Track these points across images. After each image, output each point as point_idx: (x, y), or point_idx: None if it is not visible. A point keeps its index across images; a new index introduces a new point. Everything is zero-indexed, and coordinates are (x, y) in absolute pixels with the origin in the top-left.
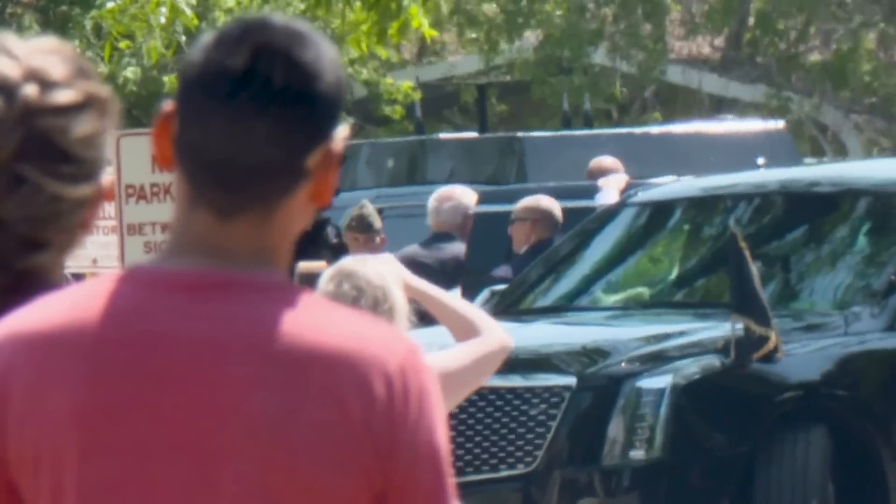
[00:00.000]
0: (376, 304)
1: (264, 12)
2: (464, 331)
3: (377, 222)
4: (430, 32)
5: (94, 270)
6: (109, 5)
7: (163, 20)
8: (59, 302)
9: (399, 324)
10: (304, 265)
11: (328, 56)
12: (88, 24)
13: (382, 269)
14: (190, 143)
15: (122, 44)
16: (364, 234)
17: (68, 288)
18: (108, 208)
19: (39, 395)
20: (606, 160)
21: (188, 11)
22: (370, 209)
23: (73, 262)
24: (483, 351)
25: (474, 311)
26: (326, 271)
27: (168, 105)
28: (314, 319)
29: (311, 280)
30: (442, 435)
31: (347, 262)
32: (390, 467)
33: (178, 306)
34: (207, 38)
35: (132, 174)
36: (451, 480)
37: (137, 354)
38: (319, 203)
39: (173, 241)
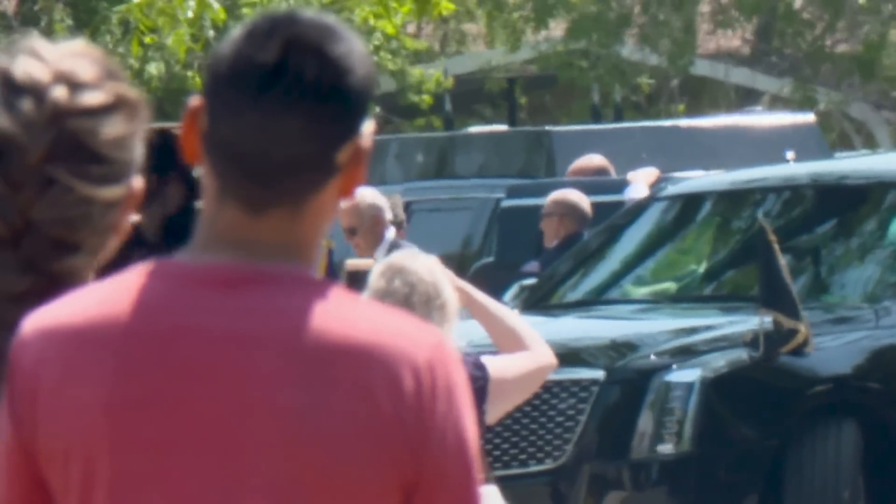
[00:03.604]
0: (428, 301)
1: (291, 6)
2: (509, 342)
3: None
4: (447, 7)
5: None
6: (136, 0)
7: (190, 14)
8: (89, 296)
9: (450, 320)
10: (353, 262)
11: (358, 50)
12: (115, 19)
13: (433, 265)
14: (220, 138)
15: (147, 38)
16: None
17: (98, 282)
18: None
19: (69, 390)
20: (595, 158)
21: (216, 6)
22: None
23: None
24: (536, 365)
25: (521, 323)
26: (376, 267)
27: (196, 100)
28: (343, 314)
29: (358, 277)
30: (471, 428)
31: (398, 257)
32: (420, 461)
33: (207, 300)
34: (236, 32)
35: None
36: (480, 473)
37: (167, 348)
38: (349, 198)
39: (202, 236)
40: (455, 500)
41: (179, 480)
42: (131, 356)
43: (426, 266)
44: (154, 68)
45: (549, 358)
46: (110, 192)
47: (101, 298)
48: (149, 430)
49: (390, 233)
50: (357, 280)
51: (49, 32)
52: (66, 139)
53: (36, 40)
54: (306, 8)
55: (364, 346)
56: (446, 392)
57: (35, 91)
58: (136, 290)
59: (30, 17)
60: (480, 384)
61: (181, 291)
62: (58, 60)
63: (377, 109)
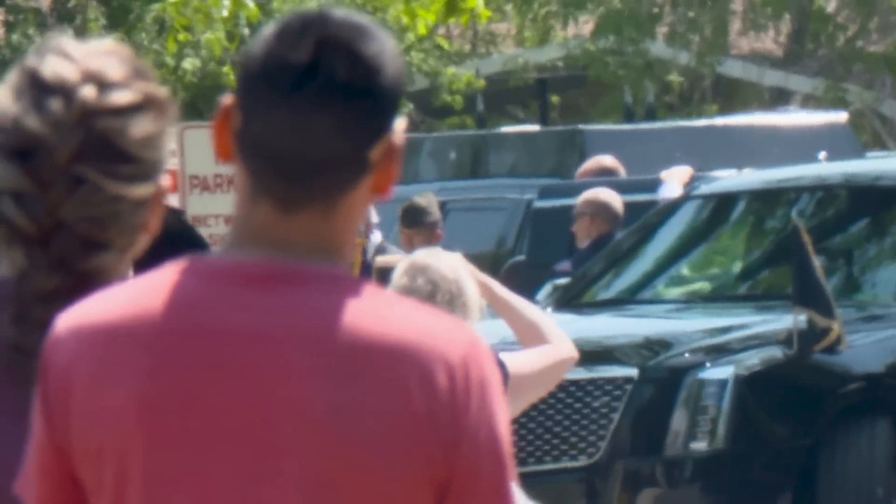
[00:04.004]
0: (451, 299)
1: (322, 5)
2: (530, 336)
3: (430, 216)
4: (485, 14)
5: None
6: None
7: (225, 13)
8: (121, 294)
9: (472, 318)
10: (382, 259)
11: (389, 49)
12: (149, 17)
13: (456, 263)
14: (253, 137)
15: (181, 36)
16: (410, 230)
17: (130, 280)
18: (173, 200)
19: (102, 388)
20: (606, 159)
21: (251, 4)
22: (422, 201)
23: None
24: (555, 359)
25: (543, 317)
26: (399, 265)
27: (228, 98)
28: (376, 311)
29: (388, 274)
30: (503, 426)
31: (421, 255)
32: (454, 459)
33: (239, 298)
34: (267, 31)
35: (196, 166)
36: (513, 471)
37: (199, 346)
38: (382, 195)
39: (235, 234)
40: (488, 499)
41: (213, 478)
42: (165, 354)
43: (449, 264)
44: (189, 63)
45: (571, 351)
46: (139, 190)
47: (133, 296)
48: (182, 427)
49: (376, 237)
50: (387, 277)
51: (83, 30)
52: (95, 138)
53: (64, 39)
54: (338, 7)
55: (398, 344)
56: (480, 390)
57: (64, 91)
58: (168, 288)
59: (64, 15)
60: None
61: (215, 289)
62: (86, 59)
63: (410, 109)
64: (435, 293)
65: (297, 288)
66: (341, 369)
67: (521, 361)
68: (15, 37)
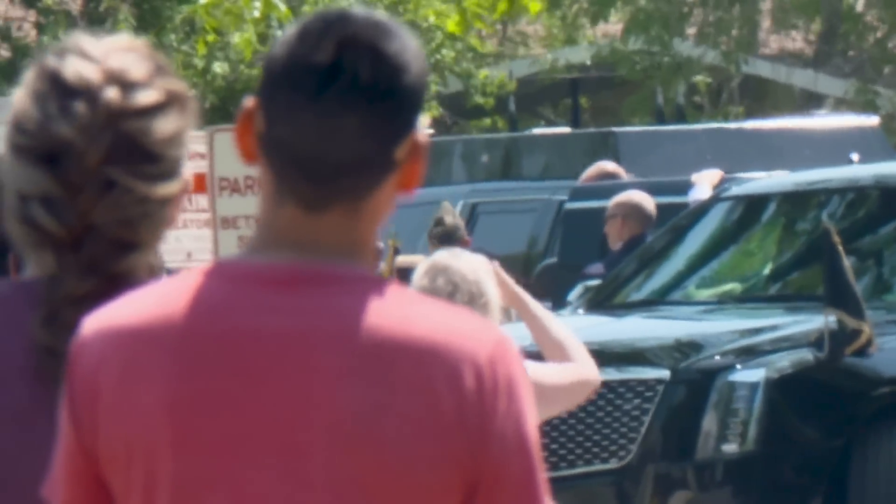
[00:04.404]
0: (472, 300)
1: (352, 5)
2: (556, 353)
3: (459, 231)
4: (535, 7)
5: (190, 265)
6: (203, 0)
7: (256, 14)
8: (148, 296)
9: (493, 318)
10: (402, 258)
11: (412, 46)
12: (178, 18)
13: (476, 264)
14: (278, 139)
15: (211, 37)
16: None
17: (156, 282)
18: (202, 202)
19: (130, 390)
20: (608, 165)
21: (282, 6)
22: (448, 219)
23: (169, 256)
24: (577, 378)
25: (571, 337)
26: (420, 266)
27: (250, 101)
28: (403, 312)
29: (409, 273)
30: (532, 425)
31: (441, 256)
32: (482, 459)
33: (266, 300)
34: (289, 33)
35: (226, 168)
36: (542, 470)
37: (226, 349)
38: (408, 192)
39: (260, 236)
40: (518, 498)
41: (242, 481)
42: (192, 357)
43: (469, 265)
44: (219, 67)
45: (594, 374)
46: (167, 188)
47: (159, 299)
48: (211, 430)
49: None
50: (406, 276)
51: (113, 32)
52: (122, 140)
53: (82, 38)
54: (359, 6)
55: (425, 345)
56: (507, 389)
57: (88, 93)
58: (194, 290)
59: (95, 17)
60: None
61: (241, 291)
62: (106, 58)
63: (440, 111)
64: (455, 293)
65: (323, 289)
66: (369, 370)
67: (544, 372)
68: (45, 38)
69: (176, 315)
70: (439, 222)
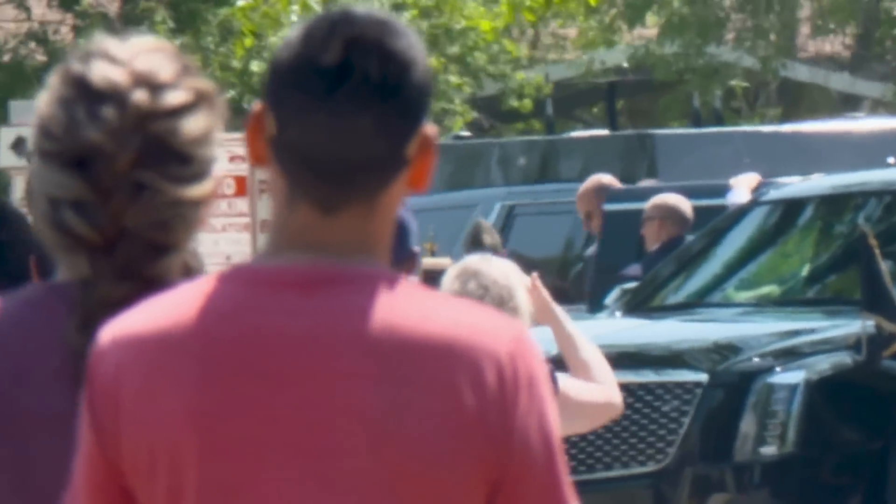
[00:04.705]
0: (501, 304)
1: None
2: (582, 373)
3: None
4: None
5: None
6: (241, 3)
7: (294, 18)
8: (165, 303)
9: (523, 323)
10: (429, 261)
11: (416, 42)
12: (215, 21)
13: (507, 269)
14: (289, 142)
15: (248, 41)
16: None
17: (174, 288)
18: (241, 205)
19: (152, 397)
20: (605, 177)
21: (318, 9)
22: (487, 238)
23: (207, 260)
24: (603, 400)
25: (600, 360)
26: (450, 270)
27: (258, 104)
28: (422, 310)
29: (434, 276)
30: (553, 419)
31: (473, 260)
32: (505, 455)
33: (284, 303)
34: (293, 35)
35: (266, 170)
36: (565, 465)
37: (248, 353)
38: (419, 188)
39: (274, 239)
40: (541, 492)
41: (268, 485)
42: (214, 362)
43: (500, 269)
44: (256, 66)
45: (618, 399)
46: (198, 189)
47: (177, 305)
48: (235, 435)
49: None
50: (433, 279)
51: (150, 34)
52: (152, 142)
53: (106, 41)
54: (363, 4)
55: (446, 342)
56: (528, 385)
57: (116, 97)
58: (213, 295)
59: (132, 19)
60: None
61: (258, 295)
62: (133, 61)
63: (476, 114)
64: (485, 298)
65: (341, 289)
66: (390, 370)
67: (573, 386)
68: (81, 41)
69: (195, 320)
70: (476, 241)
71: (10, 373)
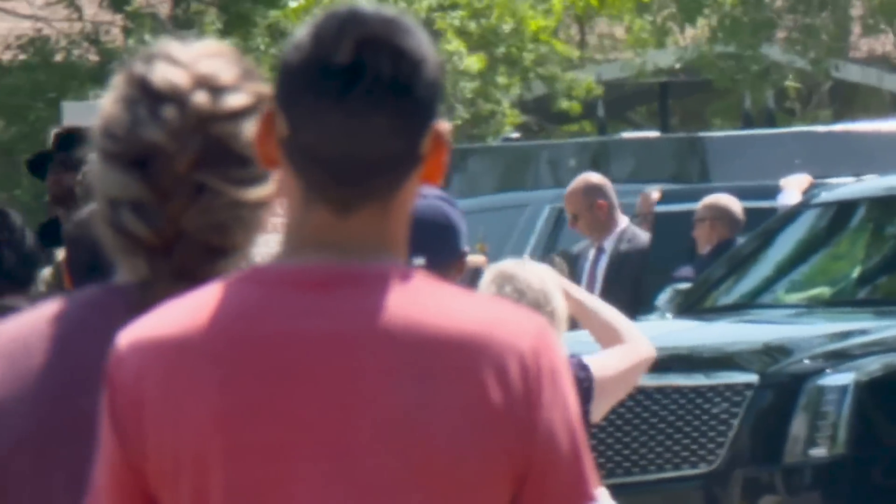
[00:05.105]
0: (537, 308)
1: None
2: (607, 336)
3: None
4: None
5: None
6: (292, 5)
7: None
8: (183, 306)
9: (559, 328)
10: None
11: (425, 39)
12: (264, 24)
13: (543, 273)
14: (303, 144)
15: None
16: None
17: (191, 292)
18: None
19: (175, 401)
20: (593, 176)
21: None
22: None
23: (259, 260)
24: (636, 360)
25: (619, 317)
26: (486, 274)
27: (269, 106)
28: (443, 306)
29: (473, 273)
30: (576, 412)
31: (508, 264)
32: (530, 449)
33: (304, 303)
34: (301, 35)
35: None
36: (589, 456)
37: (270, 354)
38: (434, 183)
39: (290, 239)
40: (566, 485)
41: (294, 486)
42: (235, 364)
43: (536, 274)
44: None
45: (649, 351)
46: (258, 192)
47: (195, 308)
48: (260, 437)
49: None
50: (471, 277)
51: (201, 36)
52: (212, 145)
53: (170, 43)
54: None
55: (468, 338)
56: (551, 378)
57: (177, 98)
58: (231, 297)
59: (183, 21)
60: (586, 385)
61: (277, 296)
62: (195, 63)
63: (525, 116)
64: (520, 301)
65: (361, 288)
66: (414, 367)
67: (605, 363)
68: (132, 42)
69: (215, 323)
70: None
71: (70, 374)
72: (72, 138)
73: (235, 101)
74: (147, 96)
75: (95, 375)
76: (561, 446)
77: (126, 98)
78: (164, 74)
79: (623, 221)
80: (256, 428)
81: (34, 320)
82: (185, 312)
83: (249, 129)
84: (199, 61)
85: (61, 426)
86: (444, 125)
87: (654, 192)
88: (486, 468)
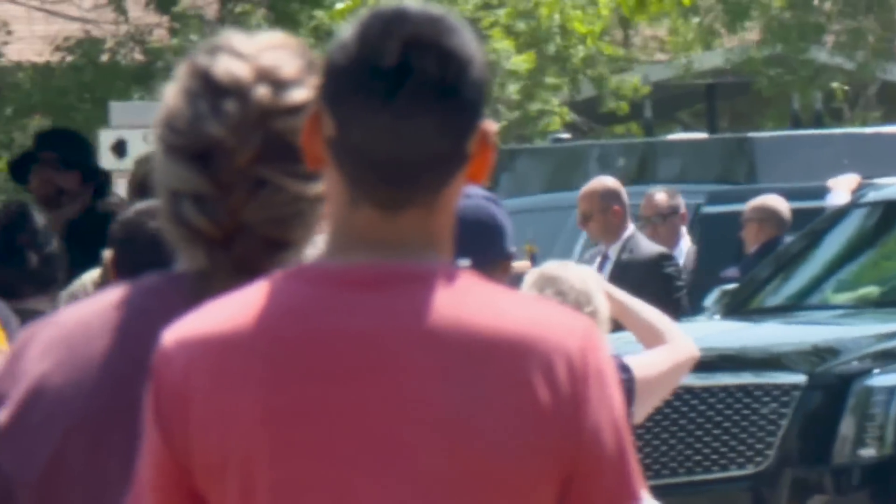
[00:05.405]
0: (579, 309)
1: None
2: (650, 337)
3: None
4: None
5: None
6: (339, 6)
7: None
8: (230, 304)
9: (601, 329)
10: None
11: (470, 37)
12: (312, 23)
13: (585, 274)
14: (351, 145)
15: None
16: None
17: (238, 289)
18: None
19: (222, 399)
20: (609, 180)
21: None
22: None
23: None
24: (678, 360)
25: (660, 317)
26: (528, 276)
27: (315, 106)
28: (490, 305)
29: (515, 279)
30: (622, 413)
31: (550, 266)
32: (577, 450)
33: (351, 302)
34: (347, 35)
35: None
36: (635, 458)
37: (317, 352)
38: (479, 182)
39: (336, 238)
40: (612, 486)
41: (341, 484)
42: (283, 362)
43: (578, 275)
44: None
45: (692, 350)
46: (319, 187)
47: (242, 306)
48: (307, 435)
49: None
50: (515, 281)
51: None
52: (273, 139)
53: (234, 36)
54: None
55: (516, 338)
56: (598, 378)
57: (239, 92)
58: (278, 295)
59: (230, 22)
60: (627, 386)
61: (324, 295)
62: (258, 56)
63: (575, 116)
64: (562, 303)
65: (408, 287)
66: (462, 366)
67: (646, 364)
68: (176, 42)
69: (263, 321)
70: None
71: (130, 360)
72: (53, 138)
73: (297, 95)
74: (209, 89)
75: (151, 362)
76: (607, 447)
77: (188, 90)
78: (226, 67)
79: (629, 229)
80: (303, 427)
81: (96, 307)
82: (231, 310)
83: None
84: (262, 54)
85: (118, 413)
86: (490, 125)
87: (659, 194)
88: (533, 469)
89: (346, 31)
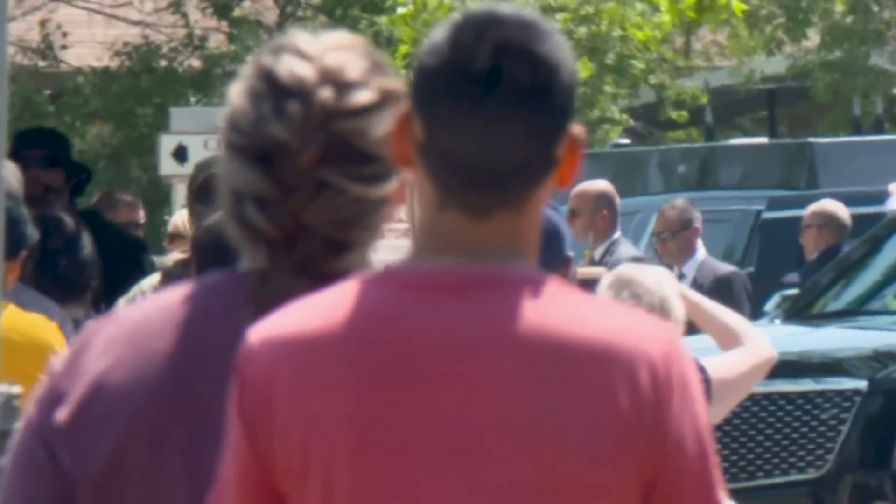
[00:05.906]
0: (653, 311)
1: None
2: (727, 339)
3: None
4: (739, 7)
5: None
6: (400, 11)
7: None
8: (315, 305)
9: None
10: (584, 270)
11: (561, 43)
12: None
13: (661, 277)
14: (440, 148)
15: (404, 48)
16: None
17: (322, 291)
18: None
19: (306, 400)
20: (600, 183)
21: None
22: None
23: None
24: (754, 362)
25: (737, 319)
26: (604, 279)
27: (405, 107)
28: (574, 312)
29: (589, 284)
30: (705, 421)
31: (626, 269)
32: (659, 457)
33: (437, 306)
34: (438, 38)
35: None
36: (717, 467)
37: (401, 357)
38: (566, 186)
39: (422, 242)
40: (694, 493)
41: (422, 488)
42: (368, 365)
43: (654, 278)
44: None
45: (769, 352)
46: (382, 189)
47: (327, 307)
48: (390, 438)
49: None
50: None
51: None
52: (337, 141)
53: (299, 35)
54: (505, 4)
55: (600, 345)
56: (681, 387)
57: (302, 93)
58: (364, 298)
59: (289, 28)
60: (703, 387)
61: (410, 299)
62: (323, 57)
63: (634, 122)
64: (638, 306)
65: (494, 292)
66: (546, 373)
67: (722, 366)
68: (234, 47)
69: (348, 323)
70: None
71: (192, 357)
72: (36, 136)
73: (361, 97)
74: (273, 90)
75: (214, 361)
76: (689, 454)
77: (252, 91)
78: (290, 68)
79: (615, 234)
80: (387, 430)
81: (157, 305)
82: (317, 311)
83: (375, 124)
84: (327, 54)
85: (179, 410)
86: (578, 129)
87: (671, 210)
88: (616, 476)
89: (439, 34)
